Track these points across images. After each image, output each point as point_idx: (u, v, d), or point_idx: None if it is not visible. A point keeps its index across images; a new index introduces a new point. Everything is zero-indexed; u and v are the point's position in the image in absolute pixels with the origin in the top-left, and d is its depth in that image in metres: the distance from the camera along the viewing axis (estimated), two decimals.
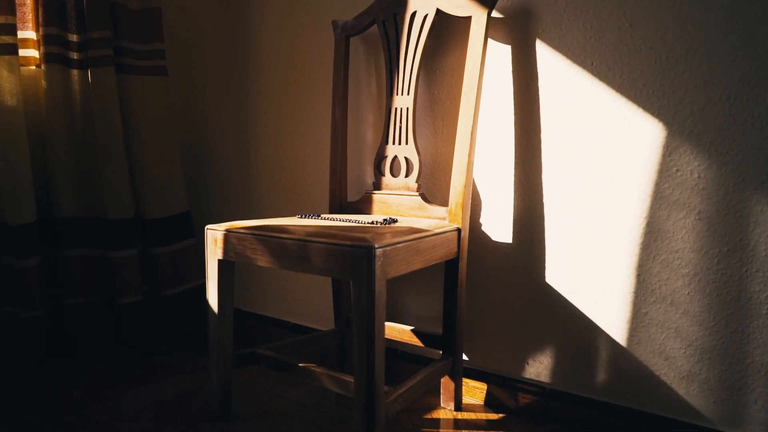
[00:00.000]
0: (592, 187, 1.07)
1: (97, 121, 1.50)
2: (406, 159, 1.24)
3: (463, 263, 1.15)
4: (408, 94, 1.23)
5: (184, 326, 1.71)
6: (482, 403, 1.25)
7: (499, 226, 1.20)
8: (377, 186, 1.28)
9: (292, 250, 0.97)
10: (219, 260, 1.09)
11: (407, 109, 1.23)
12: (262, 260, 1.02)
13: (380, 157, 1.28)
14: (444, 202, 1.29)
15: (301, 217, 1.19)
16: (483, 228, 1.23)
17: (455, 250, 1.13)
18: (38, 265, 1.45)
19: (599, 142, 1.06)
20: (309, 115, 1.51)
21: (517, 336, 1.20)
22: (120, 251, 1.54)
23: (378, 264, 0.87)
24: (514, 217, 1.18)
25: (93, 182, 1.55)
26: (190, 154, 1.85)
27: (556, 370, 1.15)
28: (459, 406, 1.22)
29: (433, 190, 1.30)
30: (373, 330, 0.88)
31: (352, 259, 0.88)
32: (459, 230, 1.13)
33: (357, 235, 0.92)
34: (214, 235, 1.08)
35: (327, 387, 1.07)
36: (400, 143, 1.25)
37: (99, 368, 1.47)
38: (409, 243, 0.96)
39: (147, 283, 1.67)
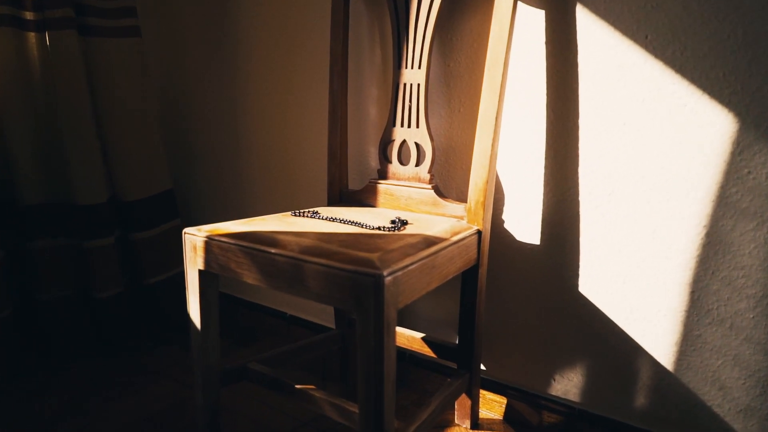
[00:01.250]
0: (640, 185, 0.92)
1: (59, 93, 1.32)
2: (417, 145, 1.07)
3: (483, 270, 1.01)
4: (419, 67, 1.05)
5: (171, 316, 1.59)
6: (501, 418, 1.14)
7: (524, 225, 1.05)
8: (383, 174, 1.12)
9: (284, 270, 0.82)
10: (200, 271, 0.95)
11: (418, 85, 1.06)
12: (249, 277, 0.87)
13: (386, 141, 1.11)
14: (461, 197, 1.13)
15: (295, 215, 1.03)
16: (505, 225, 1.08)
17: (475, 256, 0.98)
18: (2, 260, 1.31)
19: (651, 132, 0.89)
20: (304, 87, 1.33)
21: (542, 348, 1.07)
22: (94, 240, 1.39)
23: (387, 294, 0.73)
24: (543, 215, 1.03)
25: (59, 164, 1.38)
26: (171, 128, 1.67)
27: (588, 389, 1.02)
28: (476, 424, 1.11)
29: (447, 180, 1.14)
30: (381, 374, 0.74)
31: (356, 288, 0.74)
32: (479, 233, 0.98)
33: (361, 255, 0.77)
34: (193, 242, 0.94)
35: (328, 415, 0.95)
36: (409, 126, 1.08)
37: (76, 372, 1.36)
38: (423, 261, 0.81)
39: (127, 272, 1.54)
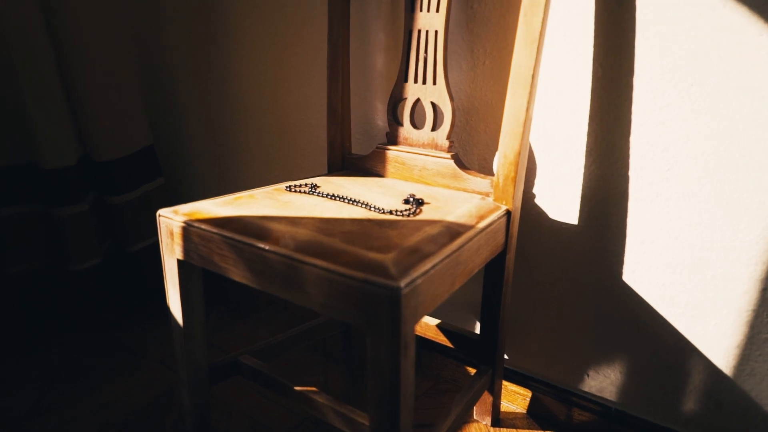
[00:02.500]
0: (707, 161, 0.77)
1: (12, 36, 1.14)
2: (434, 105, 0.91)
3: (511, 256, 0.88)
4: (437, 10, 0.88)
5: (158, 287, 1.47)
6: (524, 412, 1.04)
7: (559, 201, 0.91)
8: (393, 139, 0.97)
9: (277, 270, 0.68)
10: (179, 261, 0.81)
11: (435, 33, 0.89)
12: (235, 273, 0.74)
13: (397, 100, 0.95)
14: (484, 167, 0.98)
15: (290, 190, 0.89)
16: (537, 200, 0.93)
17: (503, 242, 0.84)
18: None
19: (727, 98, 0.73)
20: (299, 34, 1.15)
21: (575, 340, 0.95)
22: (66, 207, 1.25)
23: (405, 310, 0.60)
24: (582, 190, 0.88)
25: (18, 121, 1.22)
26: (150, 79, 1.49)
27: (628, 388, 0.91)
28: (497, 420, 1.01)
29: (468, 146, 0.99)
30: (397, 402, 0.62)
31: (367, 301, 0.60)
32: (509, 214, 0.84)
33: (371, 256, 0.63)
34: (169, 226, 0.79)
35: (333, 424, 0.84)
36: (424, 82, 0.91)
37: (50, 356, 1.24)
38: (447, 260, 0.67)
39: (107, 239, 1.40)
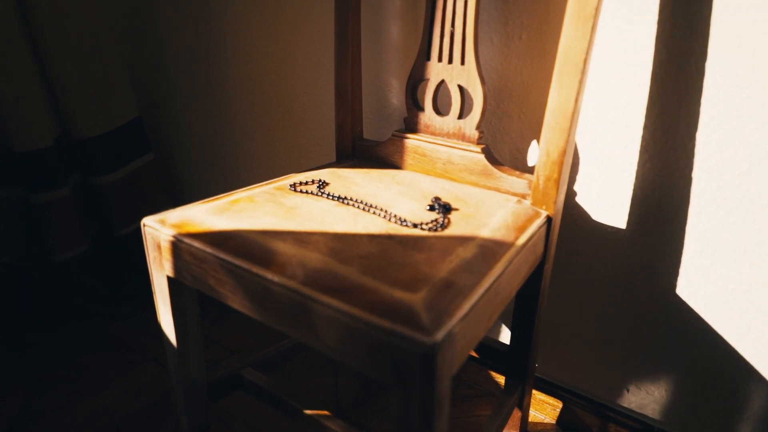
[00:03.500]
0: None
1: None
2: (461, 89, 0.79)
3: (549, 267, 0.77)
4: None
5: (148, 273, 1.38)
6: (554, 422, 0.96)
7: (605, 202, 0.80)
8: (412, 125, 0.85)
9: (283, 304, 0.58)
10: (169, 278, 0.71)
11: (465, 2, 0.75)
12: (234, 302, 0.64)
13: (417, 80, 0.83)
14: (517, 160, 0.87)
15: (294, 189, 0.78)
16: (578, 199, 0.82)
17: (542, 253, 0.74)
18: None
19: None
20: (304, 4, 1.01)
21: (615, 353, 0.86)
22: (44, 194, 1.14)
23: (441, 366, 0.50)
24: (634, 191, 0.77)
25: None
26: (134, 43, 1.35)
27: (673, 408, 0.83)
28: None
29: (498, 134, 0.87)
30: None
31: (394, 357, 0.51)
32: (549, 220, 0.73)
33: (397, 295, 0.53)
34: (156, 238, 0.69)
35: None
36: (450, 61, 0.79)
37: (34, 355, 1.16)
38: (486, 294, 0.57)
39: (93, 224, 1.30)
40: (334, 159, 1.12)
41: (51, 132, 1.13)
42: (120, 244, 1.33)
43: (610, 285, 0.84)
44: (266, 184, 0.81)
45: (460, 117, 0.80)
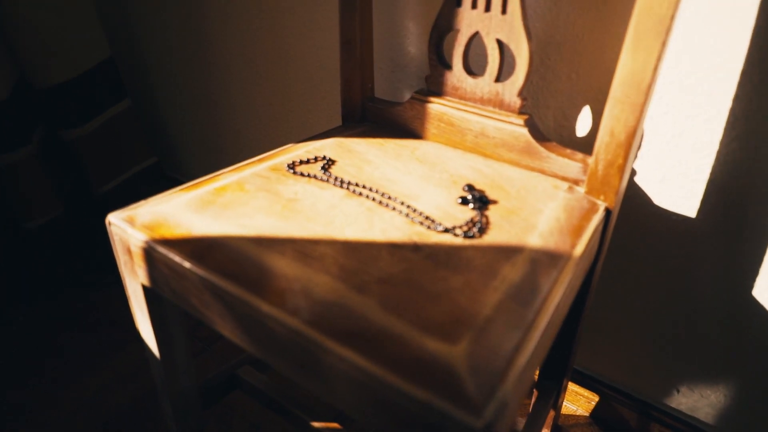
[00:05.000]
0: None
1: None
2: (500, 45, 0.63)
3: (600, 264, 0.65)
4: None
5: None
6: (587, 414, 0.87)
7: (671, 185, 0.67)
8: (436, 86, 0.70)
9: (285, 345, 0.47)
10: (144, 287, 0.59)
11: None
12: (224, 329, 0.52)
13: (443, 30, 0.67)
14: (563, 128, 0.72)
15: (294, 172, 0.64)
16: (636, 179, 0.69)
17: (596, 252, 0.62)
18: None
19: None
20: None
21: (667, 350, 0.76)
22: (4, 155, 1.00)
23: None
24: (711, 176, 0.63)
25: None
26: None
27: (731, 414, 0.74)
28: (557, 427, 0.85)
29: (541, 95, 0.72)
30: None
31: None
32: (608, 213, 0.60)
33: (431, 347, 0.41)
34: (125, 241, 0.56)
35: None
36: (487, 9, 0.63)
37: (10, 334, 1.06)
38: (544, 332, 0.45)
39: (67, 183, 1.16)
40: (339, 120, 0.97)
41: (5, 81, 0.98)
42: (99, 204, 1.20)
43: (669, 279, 0.72)
44: (259, 161, 0.67)
45: (498, 79, 0.65)
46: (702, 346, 0.73)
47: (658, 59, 0.52)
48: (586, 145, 0.71)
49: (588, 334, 0.83)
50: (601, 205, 0.60)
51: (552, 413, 0.81)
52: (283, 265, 0.49)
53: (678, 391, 0.78)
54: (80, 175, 1.17)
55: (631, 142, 0.56)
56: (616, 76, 0.54)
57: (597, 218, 0.58)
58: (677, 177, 0.66)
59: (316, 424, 0.71)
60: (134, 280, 0.60)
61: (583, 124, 0.71)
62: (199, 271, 0.50)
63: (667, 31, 0.51)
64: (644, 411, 0.81)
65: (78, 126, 1.11)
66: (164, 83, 1.24)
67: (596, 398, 0.86)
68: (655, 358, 0.78)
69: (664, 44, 0.52)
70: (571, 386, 0.87)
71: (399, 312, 0.44)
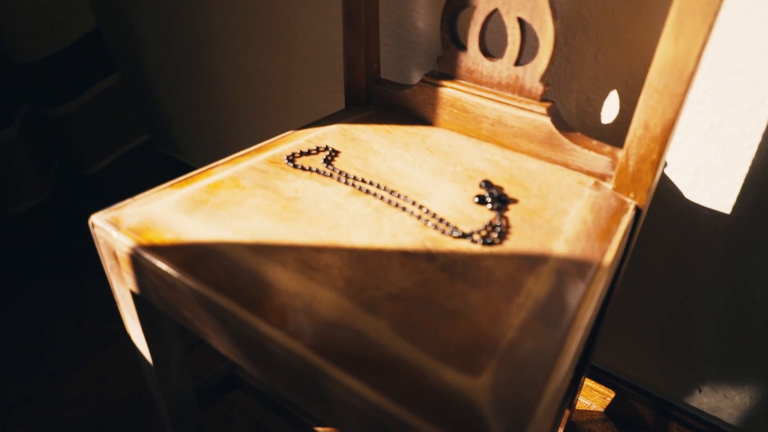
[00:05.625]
0: None
1: None
2: (522, 24, 0.57)
3: (626, 264, 0.61)
4: None
5: None
6: (601, 410, 0.84)
7: (704, 178, 0.62)
8: (449, 69, 0.64)
9: (286, 370, 0.42)
10: (133, 293, 0.55)
11: None
12: (221, 346, 0.48)
13: (458, 6, 0.61)
14: (586, 114, 0.67)
15: (293, 164, 0.59)
16: (666, 170, 0.64)
17: (623, 252, 0.57)
18: None
19: None
20: None
21: (688, 349, 0.72)
22: None
23: None
24: (751, 169, 0.58)
25: None
26: None
27: (757, 416, 0.70)
28: (570, 424, 0.82)
29: (563, 78, 0.66)
30: None
31: None
32: (638, 212, 0.55)
33: (451, 379, 0.37)
34: (110, 245, 0.52)
35: None
36: None
37: None
38: (575, 356, 0.41)
39: (54, 164, 1.11)
40: (342, 101, 0.92)
41: None
42: (90, 184, 1.15)
43: (696, 276, 0.67)
44: (256, 152, 0.62)
45: (518, 63, 0.59)
46: (729, 347, 0.69)
47: (704, 45, 0.47)
48: (611, 133, 0.66)
49: (604, 329, 0.79)
50: (631, 204, 0.55)
51: (567, 412, 0.78)
52: (284, 278, 0.45)
53: (700, 391, 0.74)
54: (68, 156, 1.11)
55: (667, 136, 0.51)
56: (654, 62, 0.49)
57: (627, 219, 0.53)
58: (712, 170, 0.61)
59: (319, 429, 0.67)
60: (122, 286, 0.55)
61: (609, 111, 0.65)
62: (191, 282, 0.45)
63: (716, 12, 0.45)
64: (662, 409, 0.78)
65: (64, 103, 1.05)
66: (156, 55, 1.17)
67: (612, 394, 0.83)
68: (676, 357, 0.74)
69: (711, 28, 0.46)
70: (586, 381, 0.84)
71: (412, 335, 0.40)
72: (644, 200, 0.55)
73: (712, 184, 0.61)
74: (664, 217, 0.67)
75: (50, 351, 0.96)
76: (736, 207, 0.61)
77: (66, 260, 1.13)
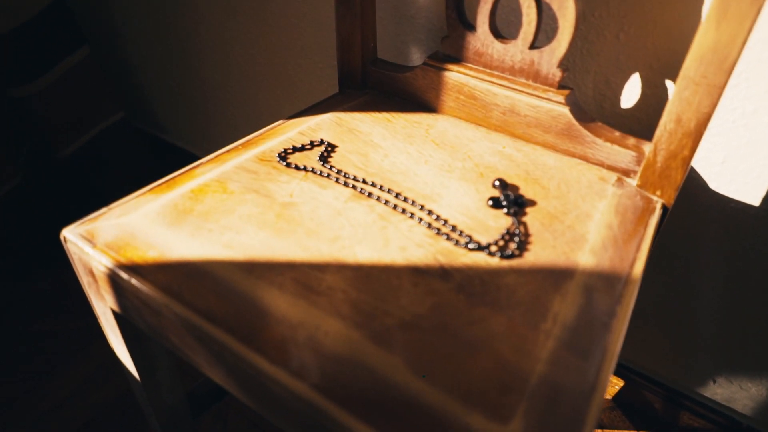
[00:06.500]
0: None
1: None
2: (539, 2, 0.52)
3: (645, 261, 0.57)
4: None
5: (105, 191, 1.15)
6: (609, 398, 0.82)
7: (732, 169, 0.58)
8: (455, 51, 0.58)
9: (288, 409, 0.38)
10: (114, 312, 0.50)
11: None
12: (215, 376, 0.44)
13: None
14: (604, 98, 0.61)
15: (285, 162, 0.53)
16: (692, 162, 0.59)
17: (646, 253, 0.53)
18: None
19: None
20: None
21: (703, 340, 0.69)
22: None
23: None
24: None
25: None
26: None
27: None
28: None
29: (580, 59, 0.61)
30: None
31: None
32: (665, 210, 0.51)
33: (476, 428, 0.33)
34: (85, 263, 0.47)
35: None
36: None
37: None
38: (606, 387, 0.37)
39: (23, 148, 1.04)
40: (337, 90, 0.85)
41: None
42: (64, 167, 1.08)
43: (716, 269, 0.64)
44: (243, 147, 0.57)
45: (534, 45, 0.54)
46: (743, 339, 0.67)
47: (750, 30, 0.41)
48: (630, 119, 0.61)
49: None
50: (658, 203, 0.50)
51: None
52: (283, 304, 0.40)
53: (714, 382, 0.72)
54: (38, 138, 1.04)
55: (702, 131, 0.46)
56: (691, 50, 0.44)
57: (654, 220, 0.49)
58: (741, 160, 0.57)
59: None
60: (102, 304, 0.50)
61: (629, 95, 0.60)
62: (178, 309, 0.41)
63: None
64: (672, 398, 0.76)
65: (30, 81, 0.97)
66: (128, 24, 1.09)
67: (621, 383, 0.80)
68: (689, 348, 0.72)
69: (759, 11, 0.41)
70: None
71: (431, 373, 0.36)
72: (672, 199, 0.50)
73: (742, 175, 0.57)
74: (685, 207, 0.63)
75: (33, 349, 0.92)
76: (766, 200, 0.57)
77: (42, 251, 1.08)
